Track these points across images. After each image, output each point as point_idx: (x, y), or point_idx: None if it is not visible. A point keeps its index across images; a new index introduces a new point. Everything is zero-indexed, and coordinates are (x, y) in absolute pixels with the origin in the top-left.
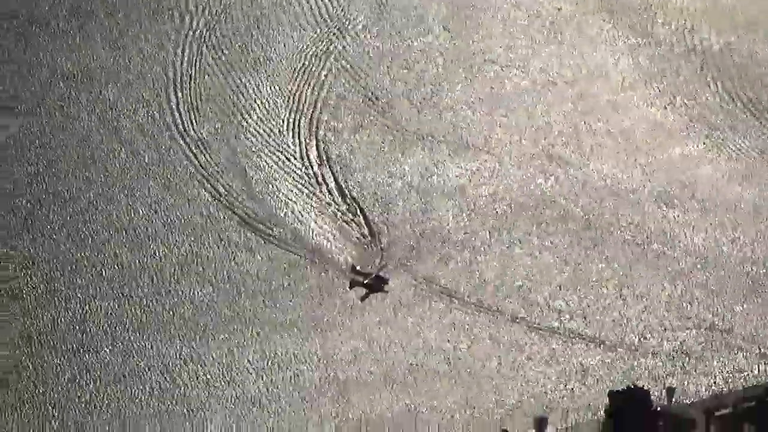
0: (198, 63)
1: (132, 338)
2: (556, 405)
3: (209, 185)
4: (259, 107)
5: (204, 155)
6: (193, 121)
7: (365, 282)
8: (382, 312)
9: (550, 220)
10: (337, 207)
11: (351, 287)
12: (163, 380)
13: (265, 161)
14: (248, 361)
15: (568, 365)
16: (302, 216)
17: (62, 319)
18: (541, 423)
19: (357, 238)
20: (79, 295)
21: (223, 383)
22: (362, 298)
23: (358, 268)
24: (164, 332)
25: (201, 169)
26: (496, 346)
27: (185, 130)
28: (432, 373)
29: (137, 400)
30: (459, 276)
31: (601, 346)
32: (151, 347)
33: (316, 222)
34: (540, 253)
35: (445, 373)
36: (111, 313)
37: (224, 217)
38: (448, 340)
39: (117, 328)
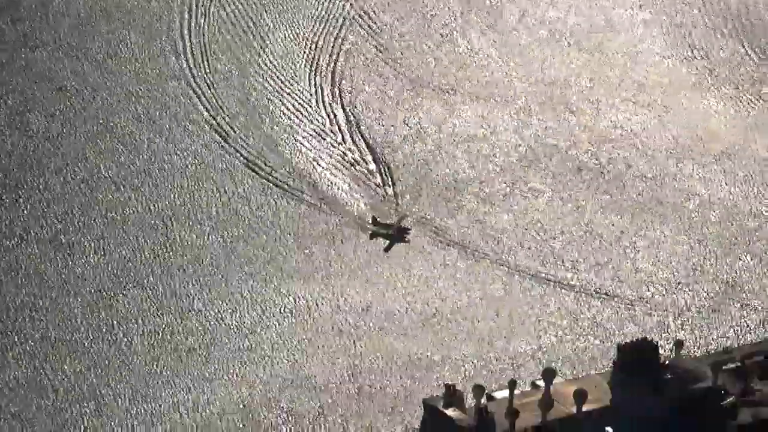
0: (211, 7)
1: (142, 284)
2: (566, 357)
3: (221, 130)
4: (274, 52)
5: (215, 100)
6: (204, 65)
7: (389, 233)
8: (395, 261)
9: (565, 171)
10: (352, 154)
11: (372, 238)
12: (176, 325)
13: (279, 107)
14: (260, 308)
15: (580, 317)
16: (316, 163)
17: (74, 264)
18: (549, 374)
19: (371, 185)
20: (90, 241)
21: (235, 329)
22: (386, 249)
23: (378, 219)
24: (176, 279)
25: (212, 115)
26: (509, 297)
27: (195, 74)
28: (444, 322)
29: (148, 345)
30: (472, 226)
31: (614, 299)
32: (164, 293)
33: (330, 169)
34: (554, 203)
35: (457, 322)
36: (122, 260)
37: (236, 164)
38: (461, 291)
39: (129, 274)
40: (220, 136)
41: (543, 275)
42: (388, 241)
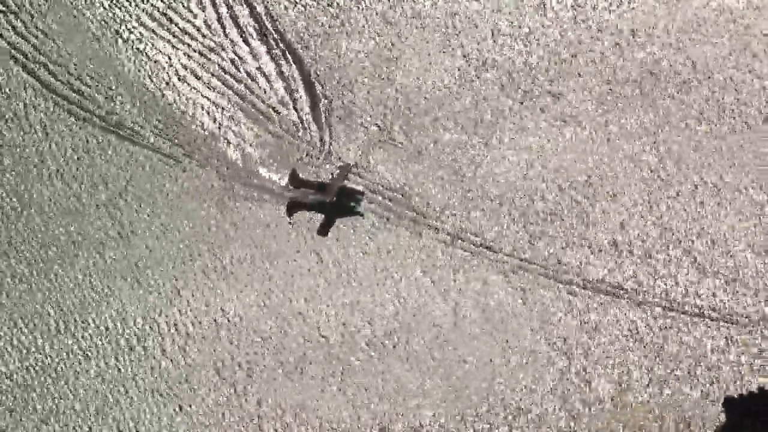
0: None
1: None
2: (595, 406)
3: (37, 73)
4: None
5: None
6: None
7: (320, 200)
8: (336, 244)
9: (587, 82)
10: (241, 64)
11: (290, 212)
12: (12, 334)
13: (151, 30)
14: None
15: (618, 337)
16: (194, 95)
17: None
18: None
19: (280, 119)
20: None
21: (93, 351)
22: (320, 230)
23: (301, 175)
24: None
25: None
26: (498, 304)
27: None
28: (411, 337)
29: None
30: (445, 186)
31: (646, 303)
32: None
33: (211, 100)
34: (563, 143)
35: (427, 337)
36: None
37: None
38: (425, 295)
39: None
40: (47, 87)
41: (551, 268)
42: (322, 216)
